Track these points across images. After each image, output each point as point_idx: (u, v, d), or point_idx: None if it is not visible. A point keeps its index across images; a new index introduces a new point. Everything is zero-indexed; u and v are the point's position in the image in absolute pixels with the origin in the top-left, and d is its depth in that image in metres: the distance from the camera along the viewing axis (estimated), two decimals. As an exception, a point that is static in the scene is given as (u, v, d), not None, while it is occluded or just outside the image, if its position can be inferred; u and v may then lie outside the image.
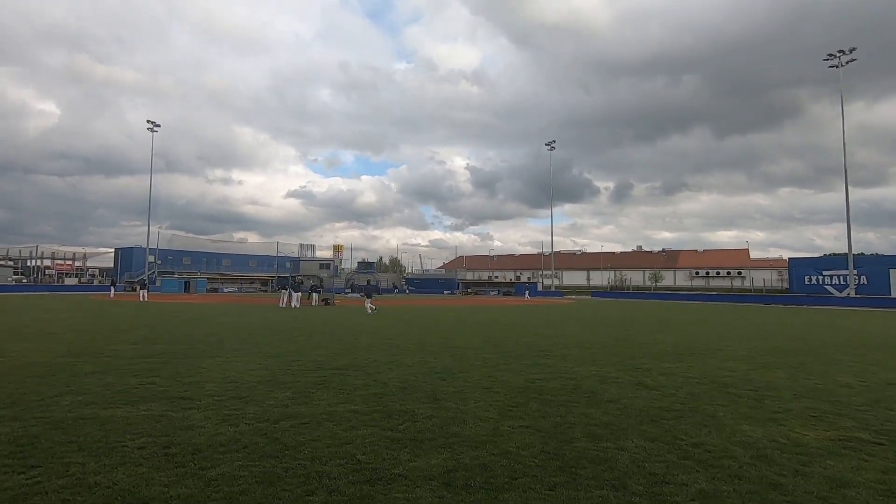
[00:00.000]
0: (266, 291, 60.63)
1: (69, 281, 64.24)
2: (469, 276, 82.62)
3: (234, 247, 79.90)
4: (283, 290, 28.73)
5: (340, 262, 76.67)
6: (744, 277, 74.37)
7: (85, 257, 77.32)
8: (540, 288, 64.29)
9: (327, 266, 70.65)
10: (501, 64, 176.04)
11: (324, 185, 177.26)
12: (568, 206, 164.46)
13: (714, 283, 79.85)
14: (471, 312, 25.32)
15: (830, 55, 41.98)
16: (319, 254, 76.72)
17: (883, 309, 33.53)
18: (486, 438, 4.64)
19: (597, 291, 64.61)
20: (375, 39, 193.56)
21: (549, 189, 66.42)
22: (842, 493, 3.52)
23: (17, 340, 11.24)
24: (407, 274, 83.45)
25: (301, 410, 5.52)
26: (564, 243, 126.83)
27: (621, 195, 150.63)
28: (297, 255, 75.34)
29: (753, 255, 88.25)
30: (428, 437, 4.64)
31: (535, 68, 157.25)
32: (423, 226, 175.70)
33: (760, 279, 61.00)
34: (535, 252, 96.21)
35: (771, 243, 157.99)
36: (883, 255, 49.90)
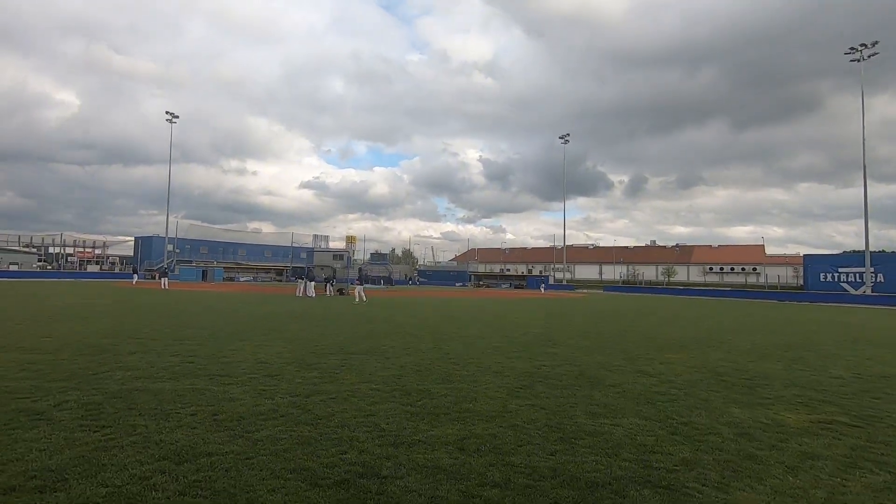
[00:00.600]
0: (281, 281, 61.79)
1: (91, 268, 66.02)
2: (481, 268, 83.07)
3: (249, 237, 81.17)
4: (299, 280, 29.50)
5: (353, 253, 77.71)
6: (758, 274, 73.77)
7: (105, 245, 79.28)
8: (552, 281, 64.52)
9: (341, 257, 71.69)
10: (515, 55, 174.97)
11: (337, 176, 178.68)
12: (581, 200, 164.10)
13: (728, 279, 79.25)
14: (482, 304, 25.84)
15: (852, 49, 41.36)
16: (333, 245, 77.89)
17: (898, 307, 33.28)
18: (495, 414, 5.16)
19: (609, 286, 64.63)
20: (388, 30, 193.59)
21: (562, 182, 66.47)
22: (810, 463, 3.98)
23: (60, 322, 12.04)
24: (419, 266, 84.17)
25: (328, 388, 6.09)
26: (577, 237, 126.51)
27: (635, 189, 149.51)
28: (311, 246, 76.63)
29: (770, 251, 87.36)
30: (443, 412, 5.18)
31: (549, 59, 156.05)
32: (435, 218, 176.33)
33: (775, 276, 60.57)
34: (548, 245, 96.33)
35: (789, 239, 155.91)
36: (900, 253, 49.19)
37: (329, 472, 3.57)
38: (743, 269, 79.94)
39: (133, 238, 73.77)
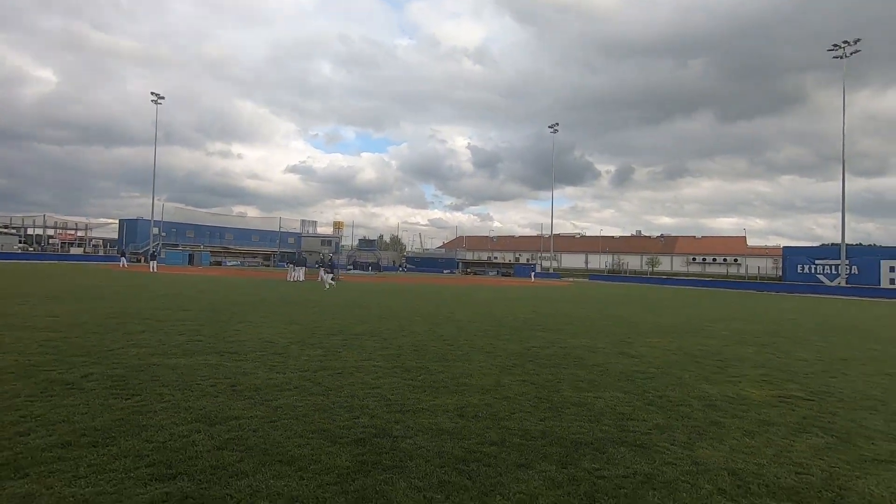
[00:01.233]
0: (269, 266, 61.69)
1: (74, 251, 65.18)
2: (468, 256, 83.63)
3: (236, 221, 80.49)
4: (290, 266, 29.74)
5: (342, 239, 77.71)
6: (739, 265, 75.48)
7: (88, 227, 78.10)
8: (538, 270, 65.35)
9: (329, 242, 71.64)
10: (505, 42, 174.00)
11: (324, 160, 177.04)
12: (569, 189, 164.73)
13: (710, 269, 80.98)
14: (471, 291, 26.40)
15: (835, 45, 42.20)
16: (320, 230, 77.79)
17: (870, 298, 34.66)
18: (489, 387, 5.67)
19: (594, 275, 65.73)
20: (377, 13, 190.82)
21: (550, 171, 67.03)
22: (765, 428, 4.55)
23: (60, 303, 12.26)
24: (407, 252, 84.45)
25: (333, 364, 6.54)
26: (564, 226, 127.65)
27: (622, 179, 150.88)
28: (299, 232, 76.43)
29: (752, 242, 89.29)
30: (442, 385, 5.67)
31: (539, 47, 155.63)
32: (422, 205, 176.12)
33: (755, 267, 62.13)
34: (535, 234, 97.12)
35: (770, 231, 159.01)
36: (875, 246, 50.92)
37: (346, 432, 4.04)
38: (725, 259, 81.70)
39: (117, 220, 72.84)
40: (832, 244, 53.84)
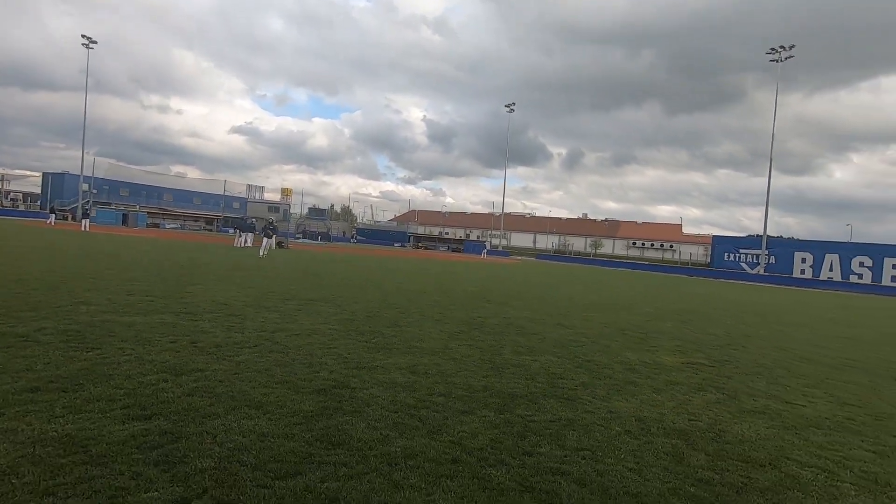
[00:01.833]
0: (211, 231, 59.34)
1: (-10, 204, 59.77)
2: (420, 230, 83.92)
3: (175, 181, 76.30)
4: (237, 231, 28.97)
5: (290, 207, 75.61)
6: (675, 251, 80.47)
7: (4, 179, 71.60)
8: (488, 247, 66.79)
9: (277, 209, 69.52)
10: (465, 14, 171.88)
11: (272, 123, 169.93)
12: (521, 169, 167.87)
13: (648, 253, 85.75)
14: (423, 265, 26.89)
15: (773, 49, 45.04)
16: (268, 196, 75.27)
17: (784, 286, 38.31)
18: (438, 350, 6.19)
19: (541, 254, 68.04)
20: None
21: (504, 150, 67.93)
22: (671, 387, 5.35)
23: (-14, 259, 11.59)
24: (358, 224, 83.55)
25: (290, 326, 6.83)
26: (515, 205, 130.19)
27: (573, 162, 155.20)
28: (244, 196, 73.59)
29: (687, 230, 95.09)
30: (395, 347, 6.13)
31: (499, 24, 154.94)
32: (375, 175, 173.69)
33: (688, 253, 66.54)
34: (487, 212, 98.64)
35: (705, 220, 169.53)
36: (790, 239, 55.65)
37: (307, 384, 4.42)
38: (662, 245, 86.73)
39: (39, 173, 67.20)
40: (757, 235, 58.51)
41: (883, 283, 40.42)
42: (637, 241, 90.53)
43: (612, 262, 59.63)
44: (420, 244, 69.29)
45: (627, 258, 73.51)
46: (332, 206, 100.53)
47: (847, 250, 44.30)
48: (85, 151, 54.97)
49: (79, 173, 55.89)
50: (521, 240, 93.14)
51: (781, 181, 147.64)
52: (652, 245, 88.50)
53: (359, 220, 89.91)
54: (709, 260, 59.71)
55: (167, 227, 57.89)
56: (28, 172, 74.82)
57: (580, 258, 63.69)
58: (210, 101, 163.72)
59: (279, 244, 31.93)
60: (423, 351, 6.07)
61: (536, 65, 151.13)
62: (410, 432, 3.54)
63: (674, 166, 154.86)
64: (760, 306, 17.42)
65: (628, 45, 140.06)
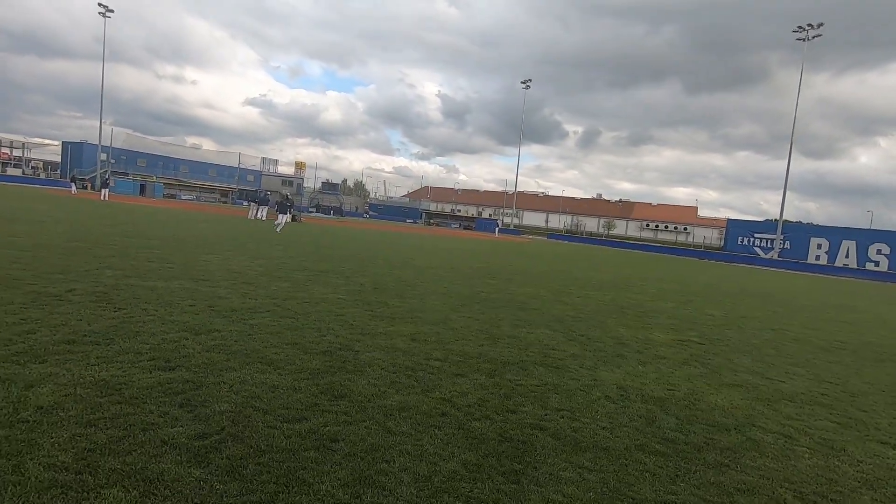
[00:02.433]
0: (226, 203, 60.18)
1: (12, 171, 61.06)
2: (433, 206, 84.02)
3: (190, 153, 76.87)
4: (252, 204, 29.49)
5: (304, 181, 76.05)
6: (689, 233, 79.67)
7: (25, 147, 72.90)
8: (500, 225, 66.83)
9: (290, 183, 70.02)
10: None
11: (286, 95, 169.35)
12: (535, 147, 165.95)
13: (661, 236, 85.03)
14: (433, 241, 27.23)
15: (800, 27, 43.57)
16: (281, 169, 75.71)
17: (796, 272, 38.00)
18: (439, 320, 6.54)
19: (553, 234, 67.91)
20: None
21: (518, 127, 67.25)
22: (658, 361, 5.65)
23: (17, 225, 12.15)
24: (370, 199, 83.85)
25: (301, 295, 7.22)
26: (528, 184, 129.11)
27: (588, 141, 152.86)
28: (258, 169, 74.11)
29: (703, 213, 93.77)
30: (398, 316, 6.49)
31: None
32: (388, 151, 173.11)
33: (702, 236, 65.87)
34: (500, 190, 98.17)
35: (721, 203, 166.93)
36: (807, 224, 54.92)
37: (315, 346, 4.80)
38: (676, 227, 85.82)
39: (57, 142, 68.27)
40: (774, 220, 57.71)
41: (899, 271, 39.88)
42: (651, 223, 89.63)
43: (624, 243, 59.38)
44: (432, 221, 69.52)
45: (640, 240, 73.05)
46: (345, 180, 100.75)
47: (865, 237, 43.58)
48: (104, 122, 55.60)
49: (97, 143, 56.70)
50: (533, 219, 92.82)
51: (803, 165, 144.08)
52: (666, 227, 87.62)
53: (371, 195, 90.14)
54: (722, 244, 59.22)
55: (183, 198, 58.85)
56: (47, 141, 75.90)
57: (592, 238, 63.49)
58: (224, 72, 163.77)
59: (293, 217, 32.49)
60: (424, 321, 6.43)
61: (554, 39, 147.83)
62: (406, 390, 3.90)
63: (692, 147, 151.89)
64: (764, 290, 17.50)
65: (650, 20, 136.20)
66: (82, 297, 5.66)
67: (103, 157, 56.46)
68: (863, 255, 42.57)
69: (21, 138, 74.01)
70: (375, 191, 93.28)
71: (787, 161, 45.53)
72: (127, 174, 59.12)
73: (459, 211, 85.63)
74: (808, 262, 45.20)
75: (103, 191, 33.88)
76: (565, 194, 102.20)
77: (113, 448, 2.59)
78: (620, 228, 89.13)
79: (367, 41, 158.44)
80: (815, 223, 65.52)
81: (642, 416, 3.90)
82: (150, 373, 3.65)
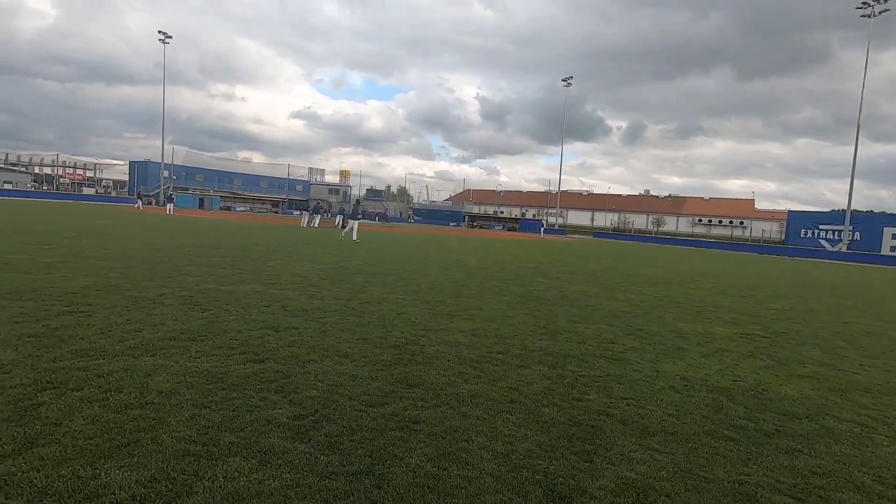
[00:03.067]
0: (277, 213, 62.76)
1: (86, 191, 66.25)
2: (475, 209, 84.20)
3: (243, 166, 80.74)
4: (304, 213, 30.73)
5: (350, 189, 78.24)
6: (745, 227, 75.83)
7: (97, 168, 78.90)
8: (545, 225, 66.13)
9: (337, 191, 72.14)
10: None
11: (329, 107, 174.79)
12: (578, 145, 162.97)
13: (715, 231, 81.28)
14: (479, 243, 27.42)
15: (864, 3, 40.81)
16: (328, 178, 78.22)
17: (868, 265, 35.48)
18: (497, 317, 6.73)
19: (599, 232, 66.50)
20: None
21: (560, 125, 66.36)
22: (720, 354, 5.60)
23: (105, 238, 13.35)
24: (414, 204, 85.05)
25: (361, 296, 7.61)
26: (572, 182, 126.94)
27: (633, 136, 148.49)
28: (307, 179, 76.88)
29: (761, 205, 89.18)
30: (457, 314, 6.74)
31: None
32: (429, 156, 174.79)
33: (760, 230, 62.62)
34: (542, 189, 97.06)
35: (781, 195, 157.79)
36: (879, 213, 51.08)
37: (383, 340, 5.11)
38: (731, 222, 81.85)
39: (124, 162, 73.44)
40: (841, 210, 54.15)
41: None
42: (703, 218, 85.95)
43: (674, 239, 57.33)
44: (475, 223, 69.71)
45: (692, 236, 70.26)
46: (389, 186, 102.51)
47: (947, 225, 40.10)
48: (164, 141, 59.36)
49: (160, 161, 60.61)
50: (578, 218, 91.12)
51: (872, 149, 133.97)
52: (720, 222, 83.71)
53: (415, 200, 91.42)
54: (783, 237, 56.04)
55: (237, 209, 61.93)
56: (115, 162, 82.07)
57: (641, 236, 61.69)
58: (272, 88, 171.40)
59: (342, 226, 33.58)
60: (482, 318, 6.64)
61: (593, 33, 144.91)
62: (474, 380, 4.12)
63: (745, 136, 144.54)
64: (832, 284, 16.55)
65: (694, 6, 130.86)
66: (172, 300, 6.24)
67: (165, 174, 60.27)
68: (945, 245, 39.19)
69: (93, 160, 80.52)
70: (418, 196, 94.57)
71: (853, 146, 42.68)
72: (187, 189, 62.86)
73: (502, 212, 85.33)
74: (882, 253, 42.08)
75: (168, 206, 36.28)
76: (611, 191, 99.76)
77: (227, 425, 2.95)
78: (671, 225, 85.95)
79: (406, 49, 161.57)
80: (888, 212, 60.85)
81: (708, 404, 3.94)
82: (244, 364, 4.05)
